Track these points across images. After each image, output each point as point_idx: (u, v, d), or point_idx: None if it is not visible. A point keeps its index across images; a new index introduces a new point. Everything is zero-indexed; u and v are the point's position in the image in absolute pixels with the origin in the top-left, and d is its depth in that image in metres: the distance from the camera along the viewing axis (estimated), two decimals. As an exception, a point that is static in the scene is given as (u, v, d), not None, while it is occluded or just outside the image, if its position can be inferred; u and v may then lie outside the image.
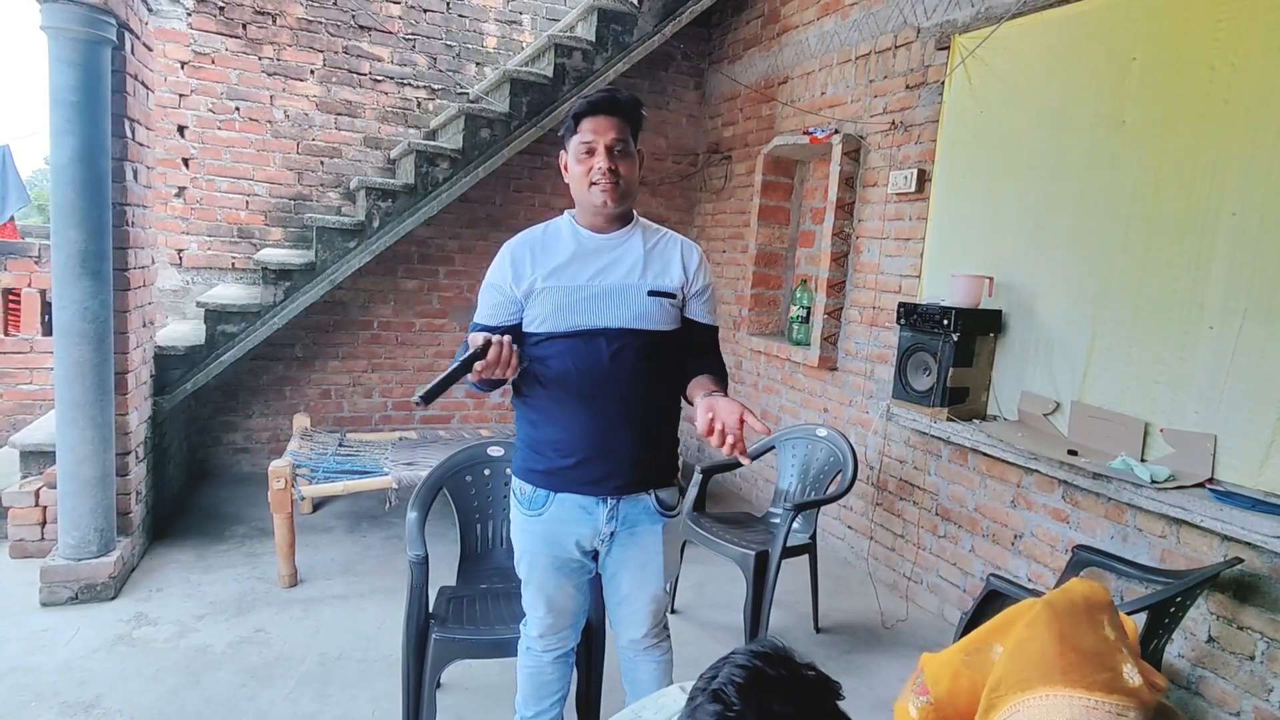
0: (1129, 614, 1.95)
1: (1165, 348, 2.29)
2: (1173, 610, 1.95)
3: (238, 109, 4.03)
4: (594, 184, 1.58)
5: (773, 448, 3.17)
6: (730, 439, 1.37)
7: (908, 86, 3.29)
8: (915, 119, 3.25)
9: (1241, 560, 2.03)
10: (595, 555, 1.75)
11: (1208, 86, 2.20)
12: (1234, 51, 2.14)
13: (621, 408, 1.61)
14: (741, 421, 1.37)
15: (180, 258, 4.03)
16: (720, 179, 4.76)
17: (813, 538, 2.89)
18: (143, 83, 2.98)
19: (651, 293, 1.62)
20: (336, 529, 3.58)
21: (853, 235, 3.62)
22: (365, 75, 4.26)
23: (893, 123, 3.36)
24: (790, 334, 4.07)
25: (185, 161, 3.98)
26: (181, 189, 3.99)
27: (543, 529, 1.68)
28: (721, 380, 1.69)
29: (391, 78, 4.31)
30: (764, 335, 4.31)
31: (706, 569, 3.28)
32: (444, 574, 2.26)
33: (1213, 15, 2.19)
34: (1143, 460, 2.32)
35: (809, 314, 3.90)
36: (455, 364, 1.42)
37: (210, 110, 3.97)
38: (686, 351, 1.70)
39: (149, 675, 2.34)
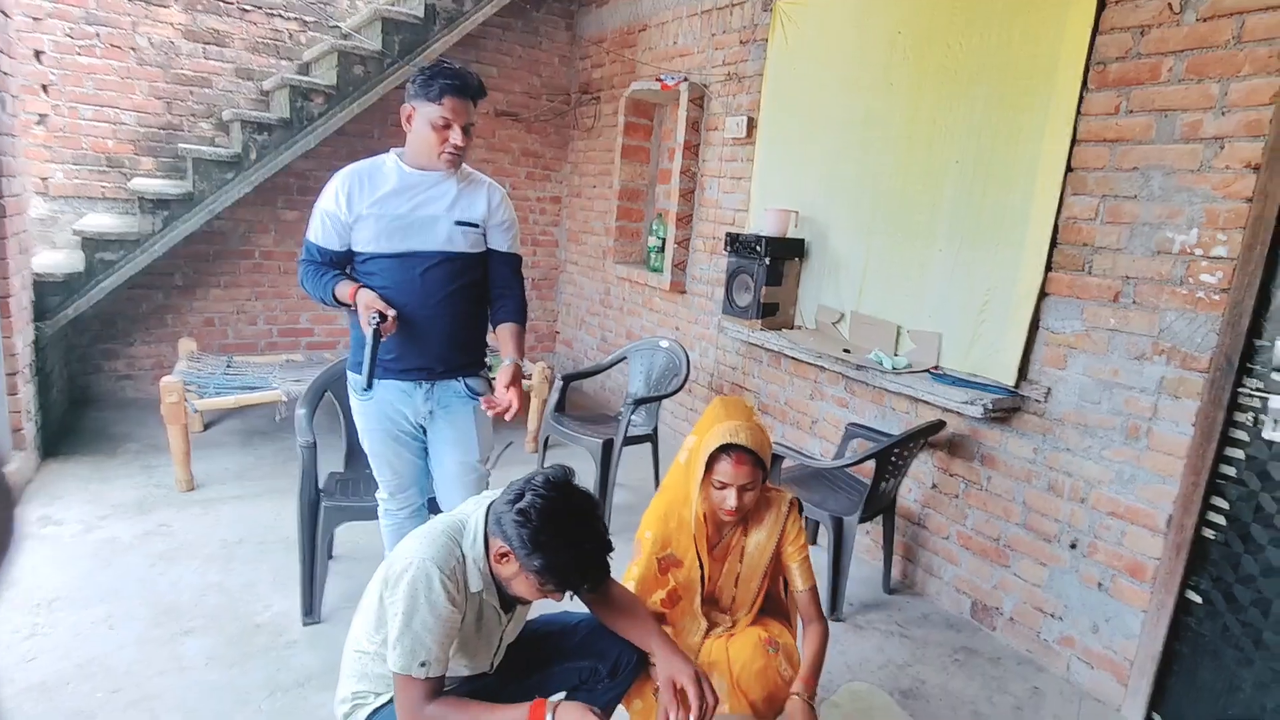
0: (857, 463, 2.63)
1: (911, 267, 2.95)
2: (894, 460, 2.64)
3: (98, 35, 4.00)
4: (444, 154, 1.95)
5: (624, 358, 3.71)
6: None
7: (741, 42, 3.76)
8: (747, 71, 3.74)
9: (944, 424, 2.75)
10: (426, 431, 2.17)
11: (944, 59, 2.79)
12: (963, 32, 2.73)
13: (430, 313, 2.01)
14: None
15: (46, 186, 4.04)
16: (590, 119, 5.12)
17: (654, 430, 3.47)
18: (1, 10, 3.01)
19: (458, 222, 2.01)
20: (229, 444, 3.86)
21: (698, 174, 4.12)
22: (232, 5, 4.29)
23: (729, 74, 3.83)
24: (649, 262, 4.58)
25: (44, 88, 3.94)
26: (43, 116, 3.97)
27: (375, 409, 2.10)
28: (520, 317, 2.14)
29: (260, 8, 4.36)
30: (628, 264, 4.79)
31: (567, 462, 3.81)
32: (333, 466, 2.67)
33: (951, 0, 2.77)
34: (895, 355, 3.00)
35: (664, 244, 4.41)
36: (370, 343, 1.87)
37: (68, 35, 3.94)
38: (492, 275, 2.12)
39: (62, 561, 2.64)
